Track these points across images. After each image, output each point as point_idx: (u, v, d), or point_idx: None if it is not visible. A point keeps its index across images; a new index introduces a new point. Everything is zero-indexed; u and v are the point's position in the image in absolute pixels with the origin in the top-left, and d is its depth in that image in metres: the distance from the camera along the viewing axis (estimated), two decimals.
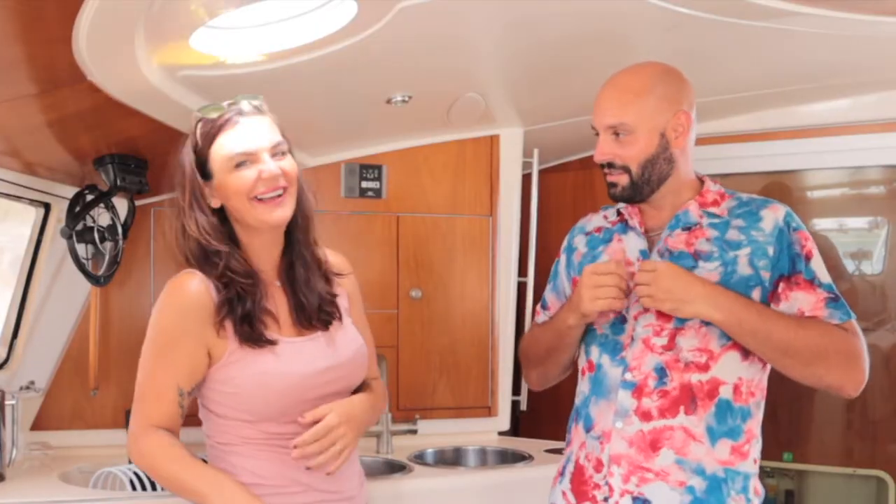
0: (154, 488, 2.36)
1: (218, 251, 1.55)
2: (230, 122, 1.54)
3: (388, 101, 2.39)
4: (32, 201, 2.38)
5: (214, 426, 1.60)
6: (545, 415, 2.98)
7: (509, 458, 2.79)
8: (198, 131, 1.56)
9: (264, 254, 1.62)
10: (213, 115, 1.55)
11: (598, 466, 1.59)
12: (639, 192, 1.62)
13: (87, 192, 2.37)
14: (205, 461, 1.60)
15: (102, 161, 2.21)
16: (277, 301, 1.61)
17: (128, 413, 2.51)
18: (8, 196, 2.26)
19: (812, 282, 1.56)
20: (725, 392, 1.55)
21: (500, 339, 3.01)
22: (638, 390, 1.57)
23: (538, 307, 1.90)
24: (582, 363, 1.72)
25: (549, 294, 1.87)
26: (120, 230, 2.47)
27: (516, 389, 3.10)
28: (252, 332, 1.53)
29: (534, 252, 3.09)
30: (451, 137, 2.94)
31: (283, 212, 1.56)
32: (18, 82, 1.63)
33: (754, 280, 1.56)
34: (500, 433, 3.06)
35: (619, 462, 1.56)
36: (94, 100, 1.70)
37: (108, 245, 2.46)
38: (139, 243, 2.70)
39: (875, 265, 3.30)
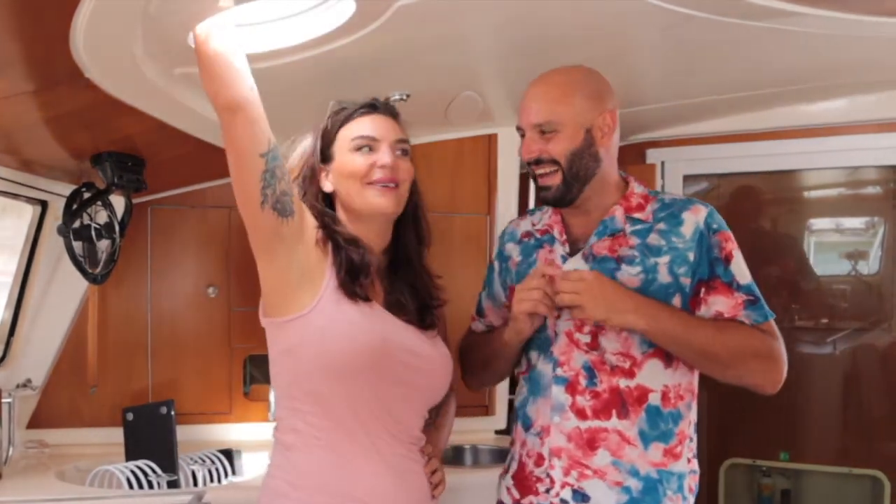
0: (151, 487, 2.36)
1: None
2: (363, 111, 1.59)
3: (386, 100, 2.38)
4: (29, 199, 2.38)
5: (285, 391, 1.53)
6: None
7: (506, 456, 2.78)
8: (330, 114, 1.61)
9: (366, 245, 1.56)
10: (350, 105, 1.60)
11: (539, 461, 1.64)
12: (570, 189, 1.62)
13: (84, 189, 2.36)
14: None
15: (100, 159, 2.20)
16: (373, 291, 1.56)
17: (124, 411, 2.53)
18: (5, 194, 2.26)
19: (730, 285, 1.59)
20: (654, 399, 1.59)
21: None
22: (571, 387, 1.61)
23: (474, 313, 1.93)
24: (522, 366, 1.76)
25: (484, 301, 1.90)
26: (117, 228, 2.47)
27: (513, 388, 3.09)
28: (353, 283, 1.48)
29: None
30: (448, 136, 2.94)
31: (391, 203, 1.54)
32: (16, 79, 1.62)
33: (673, 287, 1.59)
34: (497, 432, 3.07)
35: (560, 455, 1.61)
36: (91, 97, 1.69)
37: (105, 243, 2.46)
38: (136, 241, 2.69)
39: (871, 265, 3.30)
